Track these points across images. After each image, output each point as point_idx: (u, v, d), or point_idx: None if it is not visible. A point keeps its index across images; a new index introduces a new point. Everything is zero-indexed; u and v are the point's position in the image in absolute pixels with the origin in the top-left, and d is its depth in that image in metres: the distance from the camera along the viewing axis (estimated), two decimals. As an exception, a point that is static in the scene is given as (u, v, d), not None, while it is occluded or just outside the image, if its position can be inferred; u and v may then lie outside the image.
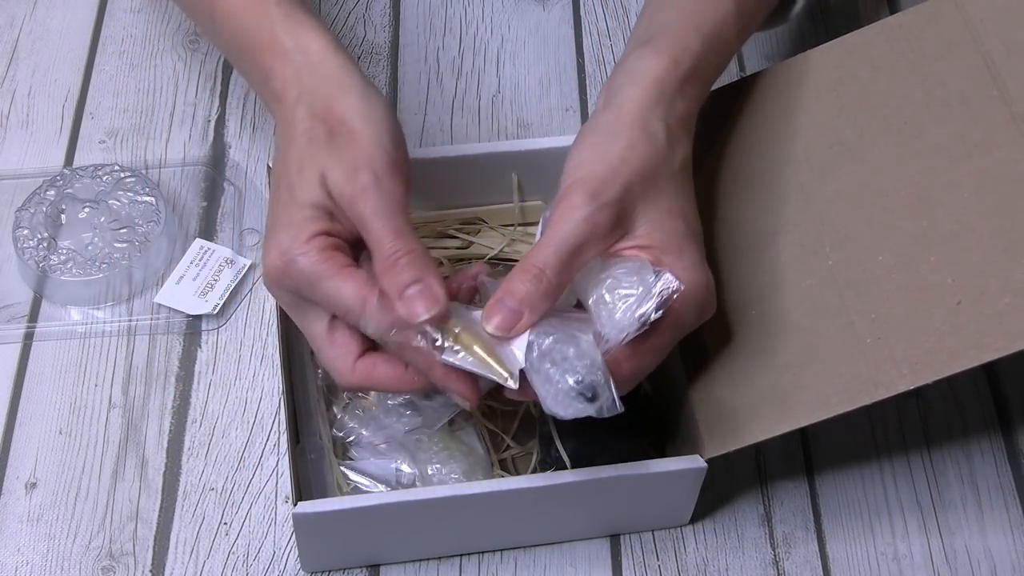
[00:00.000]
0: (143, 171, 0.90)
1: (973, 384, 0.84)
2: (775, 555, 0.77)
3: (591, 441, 0.75)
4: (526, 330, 0.63)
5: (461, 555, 0.76)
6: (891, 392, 0.66)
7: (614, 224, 0.66)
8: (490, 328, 0.63)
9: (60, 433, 0.80)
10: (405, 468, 0.76)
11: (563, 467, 0.74)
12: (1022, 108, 0.70)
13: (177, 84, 0.96)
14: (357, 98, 0.68)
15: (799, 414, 0.69)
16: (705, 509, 0.77)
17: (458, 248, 0.86)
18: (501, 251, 0.86)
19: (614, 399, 0.62)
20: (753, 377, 0.71)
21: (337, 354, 0.67)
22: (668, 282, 0.64)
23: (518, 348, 0.63)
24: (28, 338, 0.84)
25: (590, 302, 0.65)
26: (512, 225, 0.87)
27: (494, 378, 0.63)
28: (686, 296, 0.65)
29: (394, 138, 0.68)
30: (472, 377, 0.64)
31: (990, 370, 0.84)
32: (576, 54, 1.00)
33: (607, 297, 0.64)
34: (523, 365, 0.63)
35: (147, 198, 0.87)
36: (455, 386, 0.65)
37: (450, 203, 0.86)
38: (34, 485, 0.78)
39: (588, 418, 0.75)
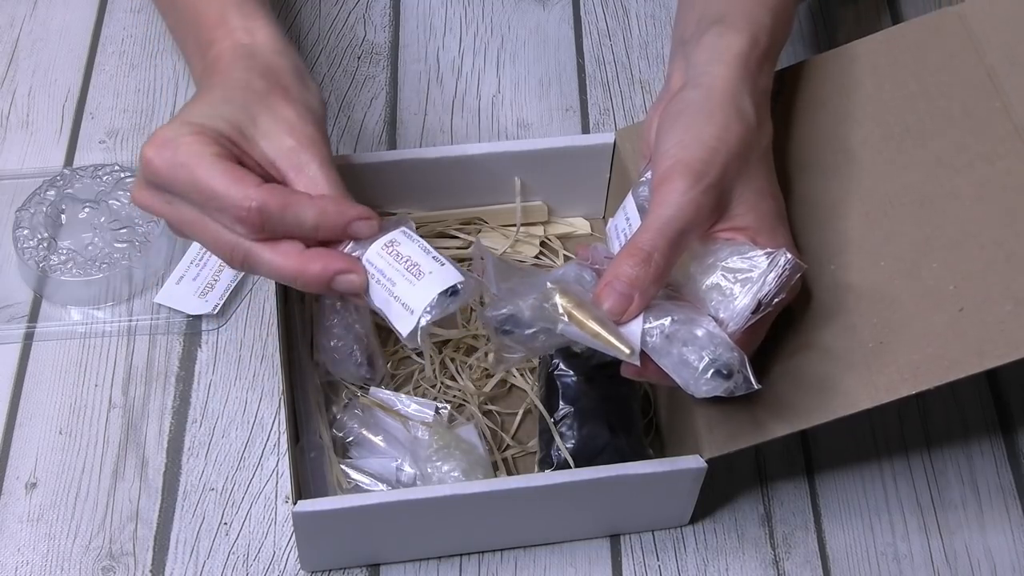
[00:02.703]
0: (143, 171, 0.90)
1: (974, 385, 0.84)
2: (775, 555, 0.77)
3: (591, 441, 0.75)
4: (637, 314, 0.63)
5: (461, 555, 0.76)
6: (892, 397, 0.67)
7: (716, 206, 0.66)
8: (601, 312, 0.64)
9: (60, 433, 0.80)
10: (406, 467, 0.76)
11: (563, 466, 0.74)
12: (1024, 119, 0.70)
13: (177, 84, 0.96)
14: (296, 77, 0.71)
15: (800, 416, 0.69)
16: (705, 509, 0.77)
17: (458, 248, 0.86)
18: (503, 252, 0.86)
19: (750, 377, 0.62)
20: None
21: (234, 184, 0.65)
22: (788, 262, 0.64)
23: (635, 327, 0.63)
24: (28, 338, 0.84)
25: (703, 287, 0.64)
26: (512, 225, 0.87)
27: (615, 354, 0.63)
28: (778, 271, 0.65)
29: (322, 121, 0.70)
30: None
31: (991, 371, 0.84)
32: (576, 54, 1.00)
33: (722, 283, 0.64)
34: (639, 344, 0.63)
35: (147, 198, 0.87)
36: (349, 270, 0.66)
37: (450, 203, 0.86)
38: (34, 485, 0.78)
39: (588, 418, 0.76)
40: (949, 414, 0.83)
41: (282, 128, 0.67)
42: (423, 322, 0.64)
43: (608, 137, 0.83)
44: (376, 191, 0.82)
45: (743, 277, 0.64)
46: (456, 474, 0.74)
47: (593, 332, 0.63)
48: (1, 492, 0.77)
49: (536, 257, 0.87)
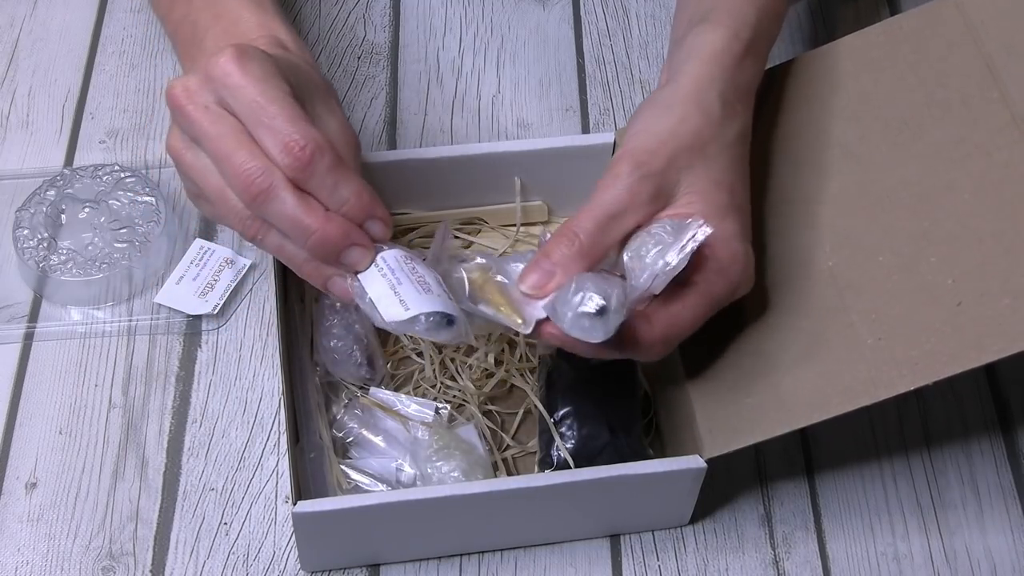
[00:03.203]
0: (143, 171, 0.90)
1: (973, 384, 0.84)
2: (775, 555, 0.77)
3: (591, 441, 0.75)
4: (556, 289, 0.65)
5: (461, 555, 0.76)
6: (891, 393, 0.66)
7: (655, 194, 0.67)
8: (524, 287, 0.66)
9: (60, 433, 0.80)
10: (406, 468, 0.76)
11: (563, 466, 0.74)
12: (1023, 110, 0.70)
13: (177, 84, 0.96)
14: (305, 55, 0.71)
15: (799, 414, 0.69)
16: (705, 509, 0.77)
17: (458, 248, 0.86)
18: (503, 252, 0.86)
19: (622, 314, 0.62)
20: (753, 377, 0.71)
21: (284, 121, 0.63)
22: (698, 224, 0.64)
23: (543, 303, 0.65)
24: (28, 338, 0.84)
25: (625, 258, 0.66)
26: (513, 225, 0.87)
27: (509, 324, 0.65)
28: (719, 265, 0.66)
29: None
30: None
31: (990, 370, 0.84)
32: (576, 54, 1.00)
33: (641, 251, 0.65)
34: (537, 317, 0.65)
35: (147, 198, 0.87)
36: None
37: (450, 203, 0.86)
38: (34, 485, 0.78)
39: (588, 418, 0.76)
40: (949, 414, 0.83)
41: (332, 123, 0.67)
42: (418, 324, 0.65)
43: (608, 137, 0.83)
44: (376, 191, 0.82)
45: (657, 243, 0.65)
46: (456, 474, 0.74)
47: (495, 305, 0.65)
48: (1, 492, 0.77)
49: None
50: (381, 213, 0.66)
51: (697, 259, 0.65)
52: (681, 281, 0.65)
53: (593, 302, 0.62)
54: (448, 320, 0.65)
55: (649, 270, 0.64)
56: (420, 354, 0.82)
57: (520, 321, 0.66)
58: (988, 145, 0.70)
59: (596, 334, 0.63)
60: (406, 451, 0.76)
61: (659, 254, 0.64)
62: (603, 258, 0.67)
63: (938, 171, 0.71)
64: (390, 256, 0.67)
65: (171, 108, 0.65)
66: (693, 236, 0.64)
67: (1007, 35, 0.73)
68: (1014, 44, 0.72)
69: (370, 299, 0.66)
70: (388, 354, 0.82)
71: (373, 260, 0.66)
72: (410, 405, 0.79)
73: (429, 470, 0.75)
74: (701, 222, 0.65)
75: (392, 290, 0.66)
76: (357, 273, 0.67)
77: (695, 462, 0.71)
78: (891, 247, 0.70)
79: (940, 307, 0.67)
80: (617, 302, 0.62)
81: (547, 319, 0.65)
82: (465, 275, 0.68)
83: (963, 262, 0.68)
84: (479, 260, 0.69)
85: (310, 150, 0.62)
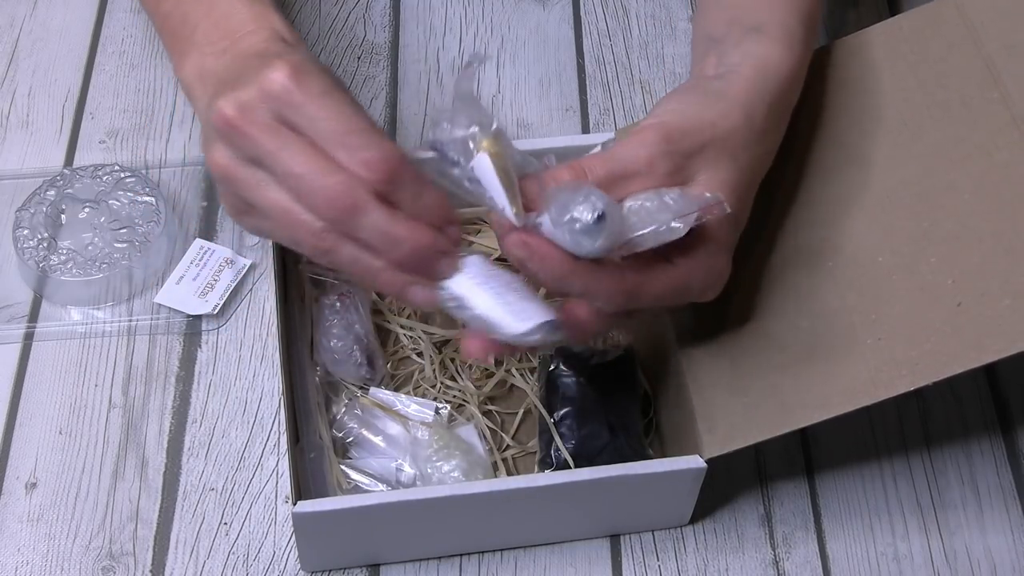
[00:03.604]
0: (143, 171, 0.90)
1: (973, 384, 0.84)
2: (775, 555, 0.77)
3: (591, 441, 0.75)
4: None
5: (461, 555, 0.76)
6: (891, 393, 0.66)
7: (672, 172, 0.65)
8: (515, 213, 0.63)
9: (60, 433, 0.80)
10: (406, 468, 0.76)
11: (563, 467, 0.74)
12: (1023, 110, 0.70)
13: (177, 84, 0.96)
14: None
15: (800, 415, 0.69)
16: (705, 509, 0.77)
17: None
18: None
19: (620, 227, 0.61)
20: (754, 377, 0.71)
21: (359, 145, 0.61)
22: (716, 200, 0.63)
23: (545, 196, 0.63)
24: (28, 338, 0.84)
25: (627, 206, 0.63)
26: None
27: (504, 210, 0.63)
28: (700, 272, 0.66)
29: None
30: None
31: (990, 370, 0.84)
32: (576, 54, 1.00)
33: (647, 204, 0.63)
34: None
35: (147, 198, 0.87)
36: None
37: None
38: (34, 485, 0.78)
39: (588, 418, 0.76)
40: (949, 414, 0.83)
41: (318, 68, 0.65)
42: (533, 335, 0.63)
43: (608, 137, 0.83)
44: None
45: (660, 202, 0.63)
46: (456, 474, 0.74)
47: (502, 176, 0.62)
48: (1, 492, 0.77)
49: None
50: (455, 217, 0.64)
51: (689, 243, 0.64)
52: (662, 253, 0.64)
53: (595, 209, 0.60)
54: (555, 325, 0.63)
55: (652, 223, 0.62)
56: (420, 354, 0.82)
57: (515, 211, 0.62)
58: (988, 145, 0.70)
59: (585, 245, 0.61)
60: (406, 451, 0.76)
61: (662, 210, 0.62)
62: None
63: (938, 171, 0.71)
64: (476, 263, 0.65)
65: (223, 128, 0.63)
66: (708, 208, 0.62)
67: (1007, 35, 0.73)
68: (1014, 44, 0.72)
69: (479, 313, 0.64)
70: (388, 354, 0.82)
71: (458, 267, 0.64)
72: (410, 405, 0.79)
73: (429, 470, 0.75)
74: (721, 198, 0.63)
75: (498, 302, 0.64)
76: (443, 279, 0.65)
77: (695, 462, 0.71)
78: (891, 247, 0.70)
79: (940, 307, 0.67)
80: (614, 222, 0.60)
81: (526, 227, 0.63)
82: (480, 136, 0.63)
83: (963, 262, 0.68)
84: (495, 126, 0.64)
85: (392, 164, 0.61)
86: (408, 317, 0.83)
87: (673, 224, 0.62)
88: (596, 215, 0.60)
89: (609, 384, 0.77)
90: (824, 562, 0.77)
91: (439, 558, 0.76)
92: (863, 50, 0.77)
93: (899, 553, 0.77)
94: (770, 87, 0.70)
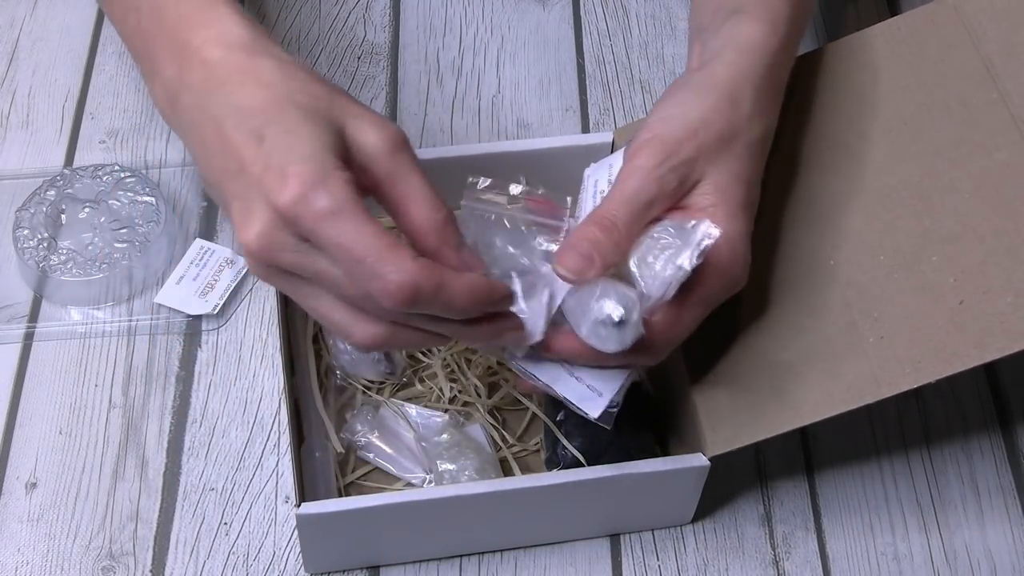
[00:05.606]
0: (143, 171, 0.90)
1: (973, 384, 0.84)
2: (775, 555, 0.77)
3: (598, 439, 0.75)
4: (594, 278, 0.63)
5: (461, 555, 0.76)
6: (894, 391, 0.67)
7: (681, 184, 0.66)
8: (562, 269, 0.63)
9: (60, 433, 0.80)
10: (416, 470, 0.76)
11: (570, 465, 0.74)
12: (1022, 110, 0.70)
13: (177, 84, 0.96)
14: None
15: (802, 413, 0.69)
16: (705, 509, 0.77)
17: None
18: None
19: (641, 327, 0.62)
20: (756, 375, 0.71)
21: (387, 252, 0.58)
22: (707, 229, 0.63)
23: (540, 319, 0.65)
24: (28, 338, 0.84)
25: (631, 265, 0.64)
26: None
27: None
28: (720, 267, 0.66)
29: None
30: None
31: (990, 370, 0.84)
32: (576, 54, 1.00)
33: (648, 259, 0.64)
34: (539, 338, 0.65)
35: (147, 198, 0.87)
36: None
37: (450, 203, 0.86)
38: (34, 485, 0.77)
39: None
40: (949, 413, 0.83)
41: (369, 133, 0.62)
42: (613, 405, 0.66)
43: (608, 137, 0.83)
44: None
45: (666, 246, 0.64)
46: (468, 472, 0.74)
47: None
48: (1, 492, 0.77)
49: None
50: (501, 292, 0.62)
51: (705, 262, 0.64)
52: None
53: (616, 312, 0.61)
54: (630, 376, 0.67)
55: (660, 278, 0.63)
56: (425, 353, 0.82)
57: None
58: (988, 145, 0.70)
59: (611, 344, 0.62)
60: (415, 453, 0.77)
61: (668, 260, 0.63)
62: (632, 247, 0.65)
63: (938, 171, 0.71)
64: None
65: (255, 261, 0.60)
66: (703, 239, 0.63)
67: (1006, 36, 0.73)
68: (1013, 45, 0.73)
69: (564, 397, 0.67)
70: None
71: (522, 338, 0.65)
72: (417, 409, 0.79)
73: (440, 469, 0.75)
74: (708, 224, 0.64)
75: (574, 379, 0.66)
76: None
77: (698, 460, 0.71)
78: (892, 246, 0.70)
79: (942, 305, 0.67)
80: (637, 315, 0.62)
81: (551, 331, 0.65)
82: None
83: (964, 261, 0.68)
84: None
85: (407, 291, 0.58)
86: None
87: (686, 266, 0.63)
88: (618, 318, 0.62)
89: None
90: (824, 562, 0.77)
91: (439, 559, 0.76)
92: (862, 51, 0.77)
93: (899, 552, 0.77)
94: (756, 67, 0.70)
